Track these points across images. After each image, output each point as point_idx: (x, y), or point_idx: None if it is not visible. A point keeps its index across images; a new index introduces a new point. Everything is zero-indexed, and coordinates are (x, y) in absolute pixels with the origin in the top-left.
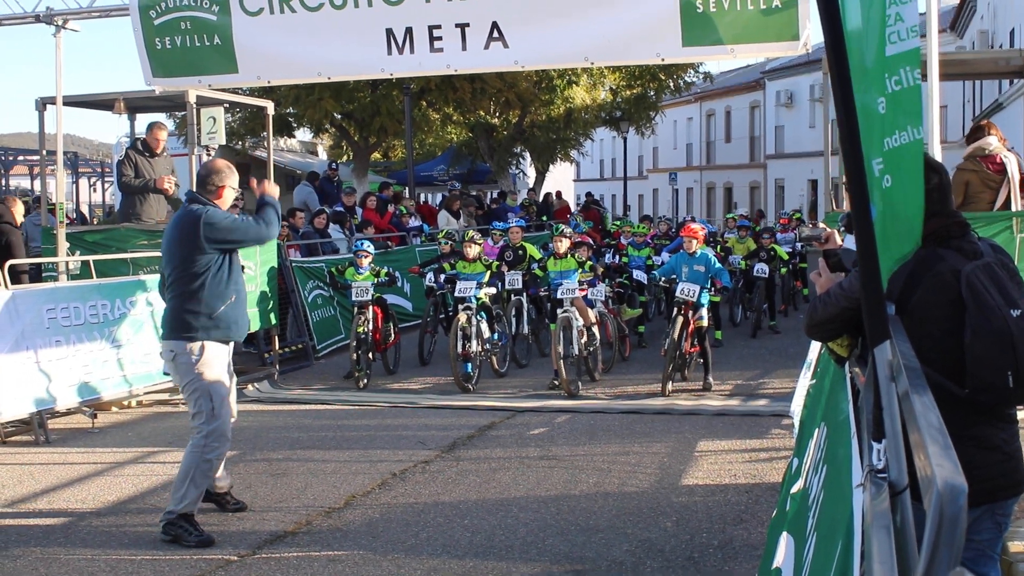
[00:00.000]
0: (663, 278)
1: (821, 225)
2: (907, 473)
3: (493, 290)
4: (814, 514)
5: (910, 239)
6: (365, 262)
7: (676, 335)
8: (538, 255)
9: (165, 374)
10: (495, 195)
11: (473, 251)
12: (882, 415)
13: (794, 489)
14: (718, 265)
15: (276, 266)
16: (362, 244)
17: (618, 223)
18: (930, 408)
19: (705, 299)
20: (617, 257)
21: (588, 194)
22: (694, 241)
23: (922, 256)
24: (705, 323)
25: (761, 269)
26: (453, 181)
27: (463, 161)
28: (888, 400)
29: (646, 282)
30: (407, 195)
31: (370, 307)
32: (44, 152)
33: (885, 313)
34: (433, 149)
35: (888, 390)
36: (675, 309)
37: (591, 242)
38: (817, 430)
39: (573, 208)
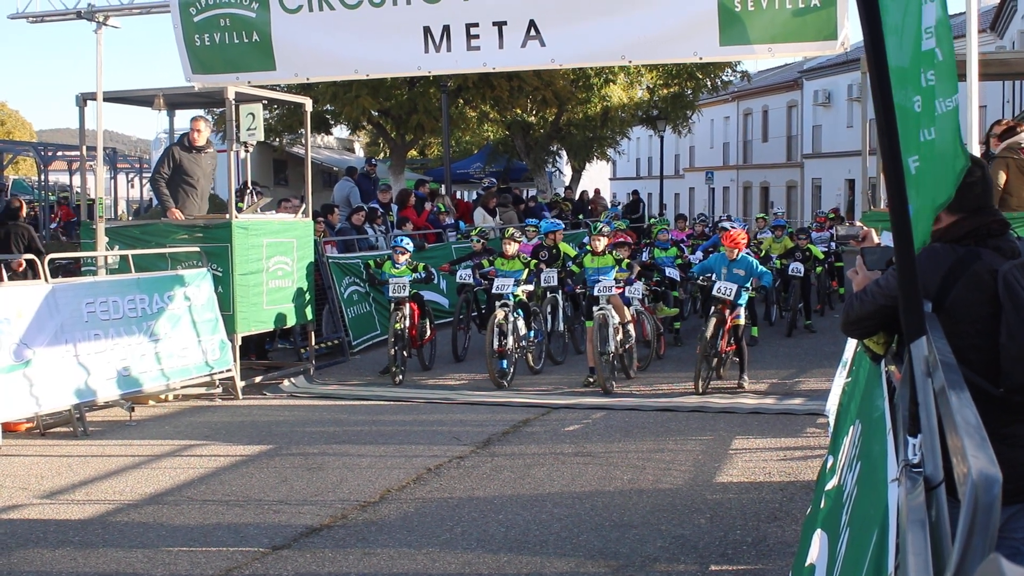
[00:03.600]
0: (700, 276)
1: (858, 224)
2: (943, 469)
3: (530, 287)
4: (848, 510)
5: (947, 187)
6: (402, 258)
7: (710, 333)
8: (572, 252)
9: (208, 365)
10: (531, 193)
11: (512, 248)
12: (918, 410)
13: (828, 486)
14: (760, 268)
15: (313, 262)
16: (401, 240)
17: (653, 220)
18: (966, 404)
19: (743, 299)
20: (651, 256)
21: (634, 192)
22: (735, 250)
23: (960, 255)
24: (742, 321)
25: (796, 268)
26: (491, 178)
27: (499, 159)
28: (924, 395)
29: (679, 279)
30: (443, 192)
31: (407, 303)
32: (84, 148)
33: (922, 309)
34: (469, 147)
35: (924, 385)
36: (711, 307)
37: (629, 241)
38: (852, 427)
39: (610, 204)
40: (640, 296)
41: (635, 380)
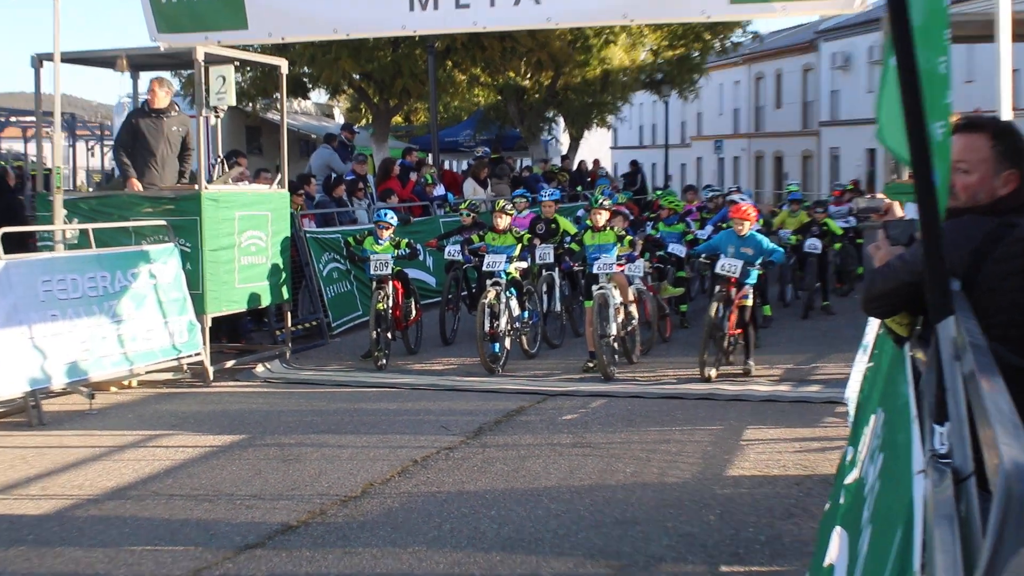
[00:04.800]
0: (704, 254)
1: (879, 196)
2: (972, 460)
3: (524, 264)
4: (869, 506)
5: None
6: (386, 233)
7: (713, 313)
8: (572, 229)
9: (175, 348)
10: (526, 163)
11: (504, 222)
12: (945, 396)
13: (848, 480)
14: (770, 246)
15: (289, 237)
16: (384, 214)
17: (658, 193)
18: (998, 389)
19: (752, 277)
20: (654, 230)
21: (633, 163)
22: (745, 224)
23: (991, 226)
24: (750, 302)
25: (813, 245)
26: (484, 148)
27: (491, 126)
28: (952, 380)
29: (685, 257)
30: (430, 162)
31: (390, 282)
32: (40, 113)
33: (949, 286)
34: (459, 113)
35: (952, 369)
36: (716, 287)
37: (627, 212)
38: (874, 416)
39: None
40: (642, 274)
41: (638, 365)
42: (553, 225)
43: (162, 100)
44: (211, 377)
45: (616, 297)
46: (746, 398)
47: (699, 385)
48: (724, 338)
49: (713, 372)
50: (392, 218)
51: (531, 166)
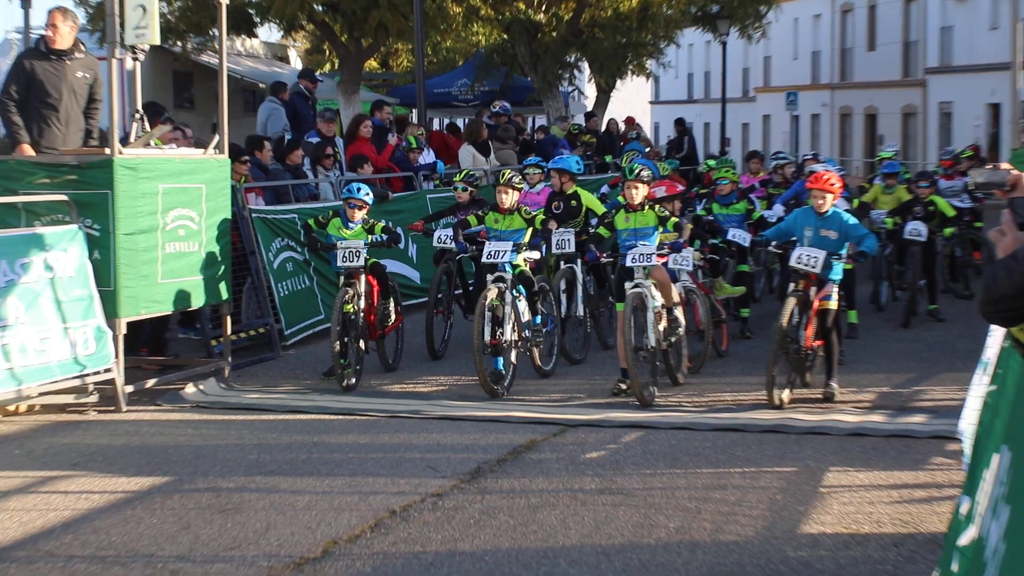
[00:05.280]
0: (775, 242)
1: (1004, 166)
2: None
3: (536, 254)
4: (993, 574)
5: None
6: (358, 214)
7: (786, 320)
8: (599, 208)
9: (78, 363)
10: (539, 123)
11: (510, 199)
12: None
13: (963, 541)
14: (859, 229)
15: (230, 218)
16: (356, 189)
17: (710, 164)
18: None
19: (836, 272)
20: (705, 210)
21: (679, 122)
22: (828, 197)
23: None
24: (833, 304)
25: (916, 230)
26: (503, 103)
27: (494, 74)
28: None
29: (748, 245)
30: (414, 120)
31: (362, 276)
32: None
33: None
34: (452, 57)
35: None
36: (790, 284)
37: (681, 191)
38: (997, 456)
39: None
40: (691, 268)
41: (685, 387)
42: (575, 203)
43: (65, 38)
44: (125, 401)
45: (656, 298)
46: (827, 431)
47: (766, 413)
48: (799, 352)
49: (784, 396)
50: (366, 194)
51: (546, 126)
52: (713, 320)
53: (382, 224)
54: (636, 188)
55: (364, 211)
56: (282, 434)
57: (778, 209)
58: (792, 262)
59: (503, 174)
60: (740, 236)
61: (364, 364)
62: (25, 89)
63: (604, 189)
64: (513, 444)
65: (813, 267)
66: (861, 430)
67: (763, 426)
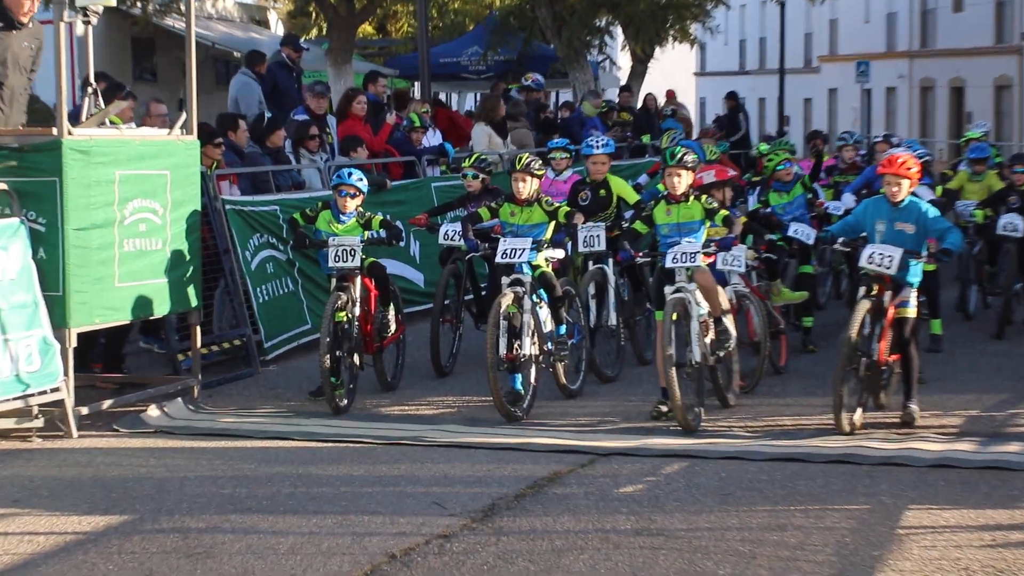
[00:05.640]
0: (841, 238)
1: None
2: None
3: (560, 253)
4: None
5: None
6: (351, 205)
7: (856, 331)
8: (631, 196)
9: (20, 381)
10: (564, 99)
11: (528, 188)
12: None
13: None
14: (941, 223)
15: (199, 210)
16: (348, 174)
17: (763, 149)
18: None
19: (915, 273)
20: (762, 202)
21: (730, 96)
22: (904, 183)
23: None
24: (912, 312)
25: (1010, 224)
26: (536, 76)
27: (510, 41)
28: None
29: (812, 243)
30: (417, 95)
31: (357, 279)
32: None
33: None
34: (461, 20)
35: None
36: (861, 288)
37: (733, 178)
38: None
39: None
40: (744, 269)
41: (737, 409)
42: (604, 192)
43: (27, 3)
44: (76, 426)
45: (702, 305)
46: (905, 461)
47: (832, 440)
48: (872, 368)
49: (855, 420)
50: (359, 179)
51: (572, 101)
52: (770, 331)
53: (380, 218)
54: (679, 175)
55: (358, 200)
56: (261, 464)
57: (847, 200)
58: (862, 262)
59: (520, 159)
60: (802, 232)
61: (358, 382)
62: None
63: (642, 178)
64: (533, 476)
65: (887, 268)
66: (946, 461)
67: (829, 455)
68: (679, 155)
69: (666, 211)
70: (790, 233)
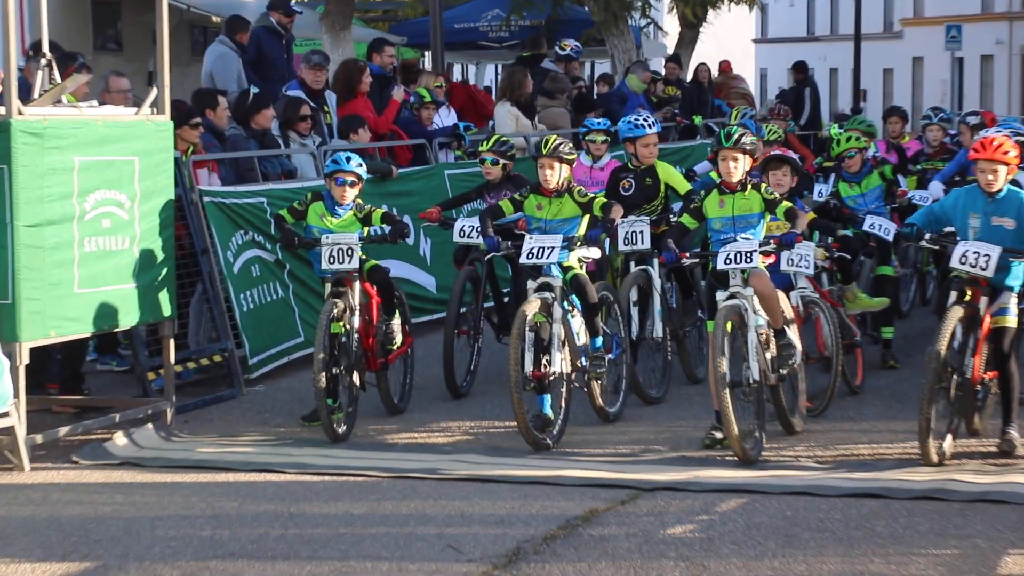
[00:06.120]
0: (928, 234)
1: None
2: None
3: (596, 252)
4: None
5: None
6: (349, 195)
7: (946, 344)
8: (683, 185)
9: None
10: (601, 71)
11: (556, 176)
12: None
13: None
14: None
15: (172, 201)
16: (346, 159)
17: (837, 132)
18: None
19: (1016, 276)
20: (834, 193)
21: (799, 67)
22: (1001, 170)
23: None
24: (1012, 321)
25: None
26: (574, 43)
27: (537, 2)
28: None
29: (892, 239)
30: (427, 66)
31: (356, 283)
32: None
33: None
34: None
35: None
36: (951, 294)
37: (794, 160)
38: None
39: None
40: (812, 271)
41: (804, 436)
42: (651, 181)
43: None
44: (28, 456)
45: (760, 314)
46: (1004, 498)
47: (918, 472)
48: (965, 387)
49: (945, 448)
50: (357, 164)
51: (609, 74)
52: (843, 343)
53: (382, 211)
54: (735, 159)
55: (356, 189)
56: (247, 501)
57: (935, 189)
58: (953, 262)
59: (546, 141)
60: (881, 226)
61: (359, 405)
62: None
63: (700, 166)
64: (566, 515)
65: (983, 269)
66: None
67: (914, 491)
68: (735, 136)
69: (719, 202)
70: (866, 228)
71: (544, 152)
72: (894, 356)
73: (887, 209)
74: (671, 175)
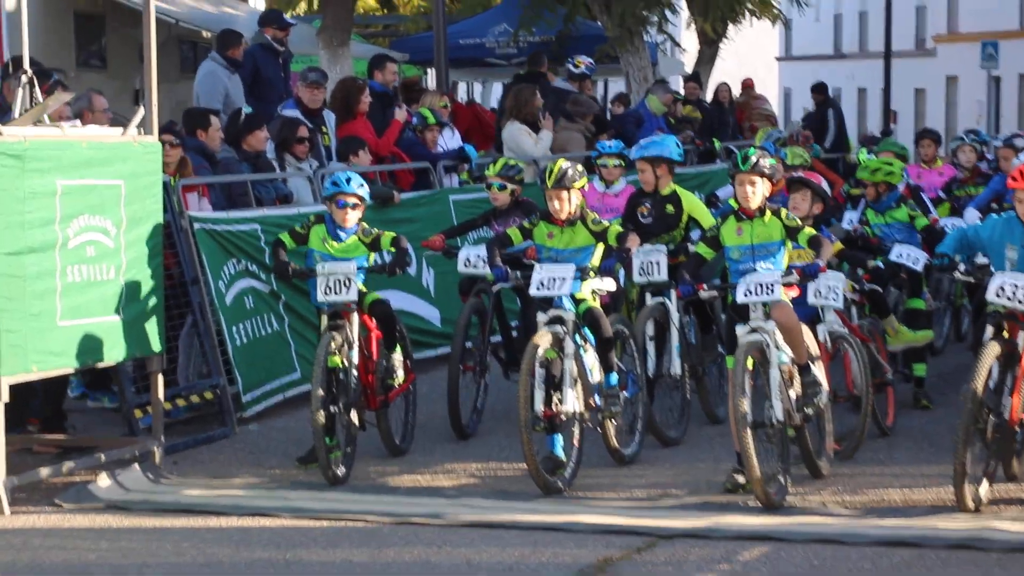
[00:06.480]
0: (962, 266)
1: None
2: None
3: (611, 284)
4: None
5: None
6: (350, 219)
7: (982, 382)
8: (708, 220)
9: None
10: (616, 91)
11: (567, 206)
12: None
13: None
14: None
15: (161, 226)
16: (346, 180)
17: (865, 157)
18: None
19: None
20: (863, 221)
21: (819, 89)
22: None
23: None
24: None
25: None
26: (587, 60)
27: (547, 17)
28: None
29: (921, 269)
30: (430, 85)
31: (354, 316)
32: None
33: None
34: None
35: None
36: (987, 329)
37: (815, 183)
38: None
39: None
40: (839, 304)
41: (832, 480)
42: (671, 208)
43: None
44: (8, 499)
45: (783, 349)
46: None
47: (953, 520)
48: (1003, 429)
49: (982, 493)
50: (359, 185)
51: (625, 94)
52: (874, 381)
53: (391, 235)
54: (752, 184)
55: (359, 212)
56: (240, 548)
57: (971, 216)
58: (989, 295)
59: (550, 170)
60: (910, 256)
61: (359, 445)
62: None
63: (723, 191)
64: (578, 564)
65: (1021, 303)
66: None
67: (949, 539)
68: (752, 159)
69: (736, 230)
70: (892, 258)
71: (550, 184)
72: (927, 395)
73: (917, 239)
74: (696, 207)
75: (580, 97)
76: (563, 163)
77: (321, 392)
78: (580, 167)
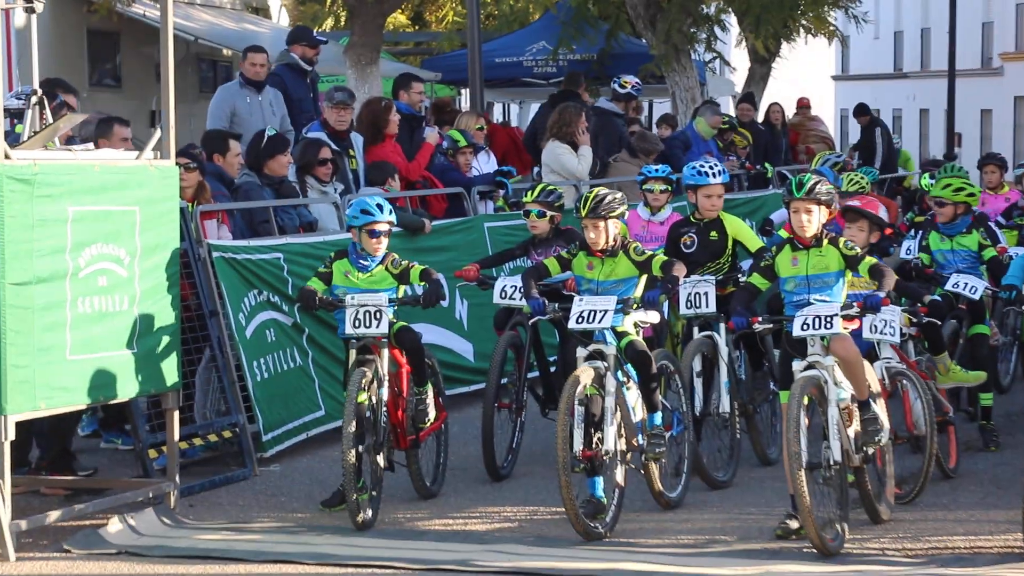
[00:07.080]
0: None
1: None
2: None
3: (655, 316)
4: None
5: None
6: (379, 247)
7: None
8: (754, 242)
9: None
10: (662, 111)
11: (604, 237)
12: None
13: None
14: None
15: (178, 255)
16: (376, 209)
17: (925, 182)
18: None
19: None
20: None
21: (860, 109)
22: None
23: None
24: None
25: None
26: (634, 80)
27: (589, 34)
28: None
29: (978, 297)
30: (463, 106)
31: (384, 351)
32: None
33: None
34: (524, 8)
35: None
36: None
37: (871, 213)
38: None
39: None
40: (896, 339)
41: (892, 526)
42: (717, 235)
43: None
44: (14, 544)
45: (842, 386)
46: None
47: (1021, 570)
48: None
49: None
50: (387, 212)
51: (671, 115)
52: (936, 421)
53: (420, 267)
54: (808, 212)
55: (383, 242)
56: None
57: None
58: None
59: (585, 199)
60: (967, 285)
61: (387, 487)
62: None
63: (778, 215)
64: None
65: None
66: None
67: None
68: (808, 185)
69: (792, 260)
70: (949, 287)
71: (584, 212)
72: (997, 435)
73: (981, 269)
74: (740, 230)
75: (648, 134)
76: (601, 190)
77: (353, 430)
78: (622, 194)
